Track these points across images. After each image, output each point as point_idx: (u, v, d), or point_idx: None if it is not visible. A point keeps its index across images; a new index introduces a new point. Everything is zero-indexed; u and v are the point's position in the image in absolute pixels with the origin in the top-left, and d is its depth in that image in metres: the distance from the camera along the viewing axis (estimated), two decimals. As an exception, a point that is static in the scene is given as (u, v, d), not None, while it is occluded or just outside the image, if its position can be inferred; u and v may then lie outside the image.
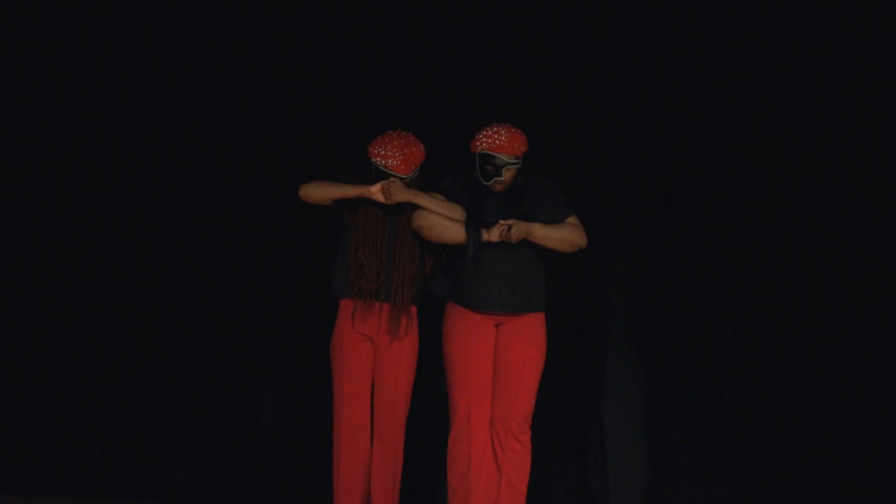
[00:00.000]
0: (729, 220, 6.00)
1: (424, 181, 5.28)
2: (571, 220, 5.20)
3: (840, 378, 5.85)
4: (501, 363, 5.13)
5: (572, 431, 6.02)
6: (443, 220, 5.13)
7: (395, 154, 5.19)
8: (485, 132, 5.17)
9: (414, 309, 5.23)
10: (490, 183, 5.16)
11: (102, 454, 6.12)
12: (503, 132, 5.15)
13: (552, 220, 5.16)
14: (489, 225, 5.09)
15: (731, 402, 5.93)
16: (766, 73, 6.02)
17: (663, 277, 6.03)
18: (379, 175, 5.22)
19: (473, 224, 5.10)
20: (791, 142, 6.00)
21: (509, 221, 5.06)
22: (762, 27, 6.00)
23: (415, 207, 5.19)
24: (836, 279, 5.90)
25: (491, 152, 5.13)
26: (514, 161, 5.16)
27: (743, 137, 6.03)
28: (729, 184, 6.01)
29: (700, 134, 6.06)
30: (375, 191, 5.17)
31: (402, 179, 5.20)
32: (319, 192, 5.22)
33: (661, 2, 6.09)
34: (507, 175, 5.16)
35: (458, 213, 5.16)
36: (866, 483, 5.79)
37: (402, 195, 5.15)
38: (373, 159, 5.23)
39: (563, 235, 5.15)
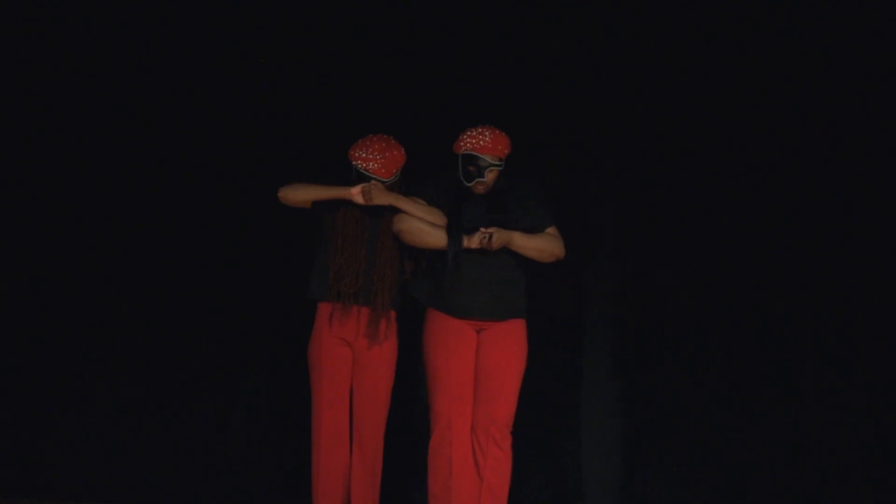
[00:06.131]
0: (703, 227, 6.02)
1: (405, 185, 5.23)
2: (551, 230, 5.19)
3: (807, 377, 5.90)
4: (483, 369, 5.10)
5: (548, 431, 6.04)
6: (423, 225, 5.10)
7: (377, 157, 5.14)
8: (469, 133, 5.14)
9: (393, 313, 5.18)
10: (472, 184, 5.13)
11: (75, 456, 6.07)
12: (487, 134, 5.12)
13: (532, 228, 5.14)
14: (470, 231, 5.06)
15: (705, 401, 5.98)
16: (747, 81, 6.02)
17: (639, 281, 6.07)
18: (359, 178, 5.17)
19: (454, 229, 5.06)
20: (769, 150, 6.01)
21: (490, 229, 5.03)
22: (749, 26, 6.00)
23: (395, 211, 5.14)
24: (806, 283, 5.94)
25: (475, 153, 5.10)
26: (498, 163, 5.13)
27: (722, 145, 6.04)
28: (705, 193, 6.03)
29: (679, 142, 6.07)
30: (356, 193, 5.12)
31: (382, 183, 5.15)
32: (299, 194, 5.17)
33: (643, 7, 6.08)
34: (489, 177, 5.13)
35: (438, 217, 5.12)
36: (838, 479, 5.83)
37: (382, 198, 5.11)
38: (353, 162, 5.17)
39: (543, 245, 5.14)
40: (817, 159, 5.91)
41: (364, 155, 5.15)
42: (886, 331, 5.79)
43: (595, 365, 6.06)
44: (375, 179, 5.14)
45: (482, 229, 5.04)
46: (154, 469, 6.07)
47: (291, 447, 5.91)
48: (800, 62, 5.92)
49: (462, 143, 5.14)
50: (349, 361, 5.16)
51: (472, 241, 5.04)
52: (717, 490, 5.94)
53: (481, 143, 5.10)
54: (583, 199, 6.07)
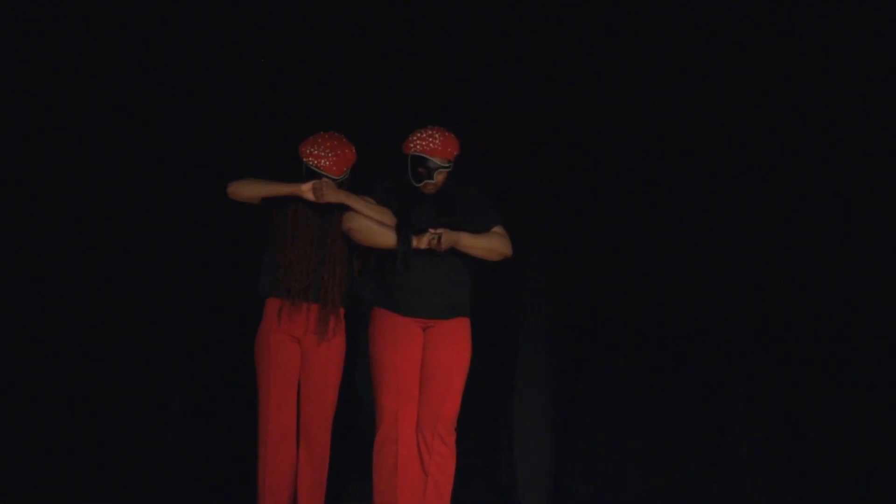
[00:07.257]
0: (638, 227, 6.14)
1: (354, 184, 5.25)
2: (497, 229, 5.25)
3: (734, 377, 6.05)
4: (429, 367, 5.16)
5: (483, 429, 6.11)
6: (373, 224, 5.13)
7: (328, 154, 5.16)
8: (418, 134, 5.18)
9: (342, 310, 5.21)
10: (421, 185, 5.18)
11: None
12: (437, 136, 5.16)
13: (479, 228, 5.20)
14: (419, 231, 5.11)
15: (634, 400, 6.11)
16: (669, 80, 6.13)
17: (573, 282, 6.18)
18: (309, 175, 5.18)
19: (404, 229, 5.11)
20: (698, 150, 6.14)
21: (439, 230, 5.09)
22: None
23: (345, 209, 5.15)
24: (743, 278, 6.09)
25: (424, 154, 5.14)
26: (447, 165, 5.18)
27: (653, 145, 6.15)
28: (638, 193, 6.15)
29: (610, 145, 6.18)
30: (306, 189, 5.13)
31: (333, 180, 5.17)
32: (249, 190, 5.16)
33: (589, 9, 6.16)
34: (438, 178, 5.18)
35: (387, 217, 5.16)
36: (757, 477, 5.98)
37: (333, 195, 5.12)
38: (304, 159, 5.18)
39: (490, 245, 5.20)
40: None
41: (315, 152, 5.16)
42: (815, 326, 5.99)
43: (529, 363, 6.16)
44: (326, 177, 5.16)
45: (431, 230, 5.10)
46: (95, 467, 6.02)
47: (237, 443, 5.90)
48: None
49: (412, 145, 5.17)
50: (297, 358, 5.17)
51: (422, 242, 5.09)
52: (648, 489, 6.06)
53: (431, 145, 5.14)
54: (520, 199, 6.15)
